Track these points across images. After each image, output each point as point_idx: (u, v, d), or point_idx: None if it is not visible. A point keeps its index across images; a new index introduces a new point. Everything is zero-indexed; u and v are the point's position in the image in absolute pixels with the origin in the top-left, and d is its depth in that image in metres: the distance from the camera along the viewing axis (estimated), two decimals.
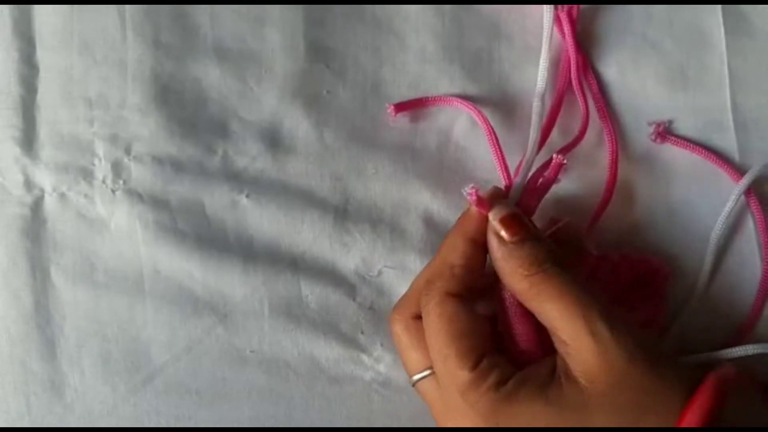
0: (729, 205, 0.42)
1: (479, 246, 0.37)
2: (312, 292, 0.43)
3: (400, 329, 0.38)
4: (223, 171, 0.43)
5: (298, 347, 0.42)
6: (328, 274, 0.43)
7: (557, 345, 0.34)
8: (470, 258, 0.36)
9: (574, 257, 0.38)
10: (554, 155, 0.39)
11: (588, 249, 0.39)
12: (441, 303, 0.36)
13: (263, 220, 0.43)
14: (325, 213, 0.43)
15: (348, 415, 0.42)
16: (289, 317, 0.43)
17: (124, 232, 0.43)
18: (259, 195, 0.43)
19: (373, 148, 0.44)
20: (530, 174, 0.39)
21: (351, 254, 0.43)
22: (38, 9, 0.44)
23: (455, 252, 0.37)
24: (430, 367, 0.37)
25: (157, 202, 0.43)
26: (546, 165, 0.39)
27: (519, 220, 0.36)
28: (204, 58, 0.44)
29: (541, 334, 0.35)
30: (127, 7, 0.44)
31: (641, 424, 0.32)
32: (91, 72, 0.44)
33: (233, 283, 0.43)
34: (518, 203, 0.38)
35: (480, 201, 0.36)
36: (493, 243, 0.36)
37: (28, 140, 0.43)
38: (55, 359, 0.42)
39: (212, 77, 0.44)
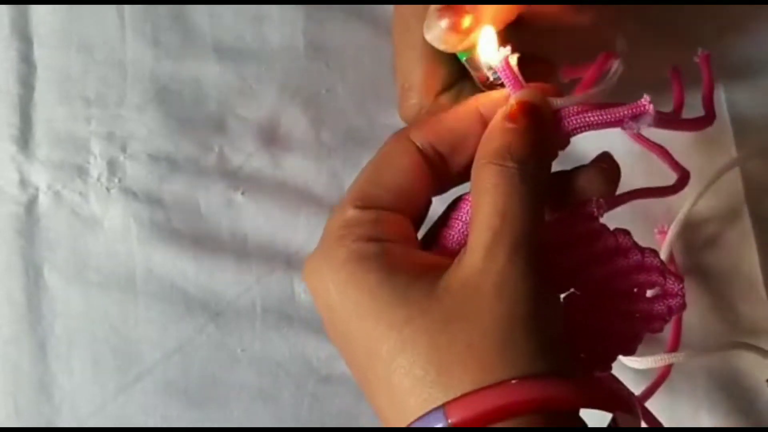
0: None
1: (479, 119, 0.31)
2: (305, 291, 0.42)
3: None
4: (219, 168, 0.43)
5: (290, 346, 0.42)
6: None
7: None
8: (462, 122, 0.31)
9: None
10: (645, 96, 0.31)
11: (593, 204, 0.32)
12: (395, 141, 0.31)
13: (258, 217, 0.43)
14: (320, 210, 0.43)
15: (337, 414, 0.41)
16: (282, 316, 0.42)
17: (118, 231, 0.43)
18: (255, 192, 0.43)
19: (371, 145, 0.43)
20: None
21: None
22: (36, 8, 0.44)
23: (452, 110, 0.32)
24: None
25: (152, 200, 0.43)
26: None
27: (526, 113, 0.30)
28: (203, 56, 0.44)
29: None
30: (126, 6, 0.44)
31: (435, 365, 0.26)
32: (89, 71, 0.44)
33: (226, 282, 0.42)
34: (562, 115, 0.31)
35: (511, 72, 0.31)
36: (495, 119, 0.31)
37: (24, 139, 0.43)
38: (46, 359, 0.42)
39: (211, 76, 0.44)
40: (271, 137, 0.43)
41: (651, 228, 0.42)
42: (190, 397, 0.41)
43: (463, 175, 0.31)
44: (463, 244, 0.30)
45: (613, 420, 0.28)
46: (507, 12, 0.32)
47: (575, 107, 0.31)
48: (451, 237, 0.31)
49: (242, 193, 0.43)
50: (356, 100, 0.44)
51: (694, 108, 0.36)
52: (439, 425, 0.25)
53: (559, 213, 0.31)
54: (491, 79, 0.33)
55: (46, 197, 0.43)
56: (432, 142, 0.31)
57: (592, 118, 0.31)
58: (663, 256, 0.41)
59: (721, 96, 0.44)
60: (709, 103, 0.36)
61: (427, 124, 0.31)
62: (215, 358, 0.42)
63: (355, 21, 0.45)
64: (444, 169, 0.31)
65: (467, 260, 0.28)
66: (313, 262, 0.30)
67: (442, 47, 0.32)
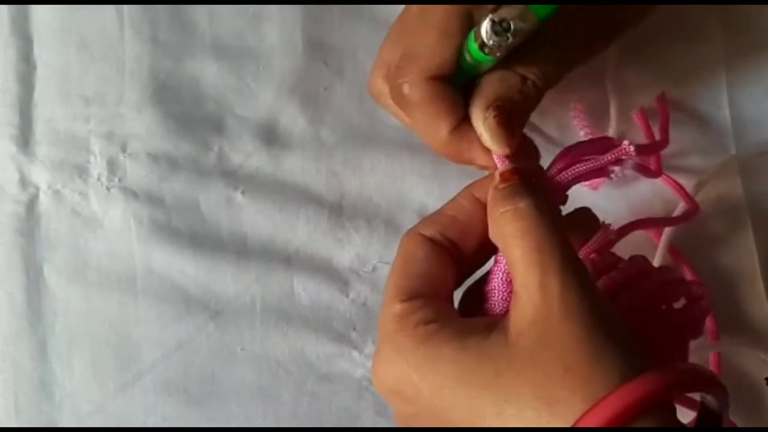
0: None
1: (476, 202, 0.33)
2: (305, 289, 0.42)
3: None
4: (218, 168, 0.43)
5: (289, 344, 0.42)
6: (321, 271, 0.42)
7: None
8: (462, 209, 0.33)
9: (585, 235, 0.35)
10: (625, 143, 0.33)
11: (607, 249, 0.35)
12: (408, 239, 0.33)
13: (258, 216, 0.43)
14: (320, 209, 0.43)
15: (337, 413, 0.41)
16: (281, 314, 0.42)
17: (117, 230, 0.43)
18: (255, 191, 0.43)
19: (370, 144, 0.43)
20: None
21: (345, 250, 0.43)
22: (36, 7, 0.44)
23: (450, 201, 0.34)
24: None
25: (152, 200, 0.43)
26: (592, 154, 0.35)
27: (516, 172, 0.32)
28: (202, 55, 0.44)
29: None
30: (125, 5, 0.44)
31: (545, 400, 0.27)
32: (88, 70, 0.44)
33: (226, 281, 0.42)
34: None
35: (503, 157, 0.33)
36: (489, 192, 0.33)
37: (24, 138, 0.43)
38: (46, 358, 0.42)
39: (210, 74, 0.44)
40: (270, 136, 0.43)
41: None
42: (189, 395, 0.41)
43: (480, 258, 0.34)
44: (504, 307, 0.32)
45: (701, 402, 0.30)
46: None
47: (560, 164, 0.33)
48: (493, 303, 0.33)
49: (242, 192, 0.43)
50: (355, 98, 0.44)
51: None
52: None
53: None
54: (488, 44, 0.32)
55: (47, 196, 0.43)
56: (441, 232, 0.33)
57: (579, 170, 0.33)
58: (659, 253, 0.41)
59: (722, 95, 0.44)
60: (664, 131, 0.42)
61: (431, 218, 0.33)
62: (215, 356, 0.42)
63: (354, 20, 0.45)
64: (459, 253, 0.33)
65: (525, 302, 0.29)
66: (383, 363, 0.31)
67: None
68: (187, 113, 0.43)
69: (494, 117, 0.32)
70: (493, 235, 0.32)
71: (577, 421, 0.26)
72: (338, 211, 0.43)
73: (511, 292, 0.32)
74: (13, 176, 0.43)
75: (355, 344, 0.42)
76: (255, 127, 0.43)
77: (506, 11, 0.32)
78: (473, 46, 0.31)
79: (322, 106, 0.44)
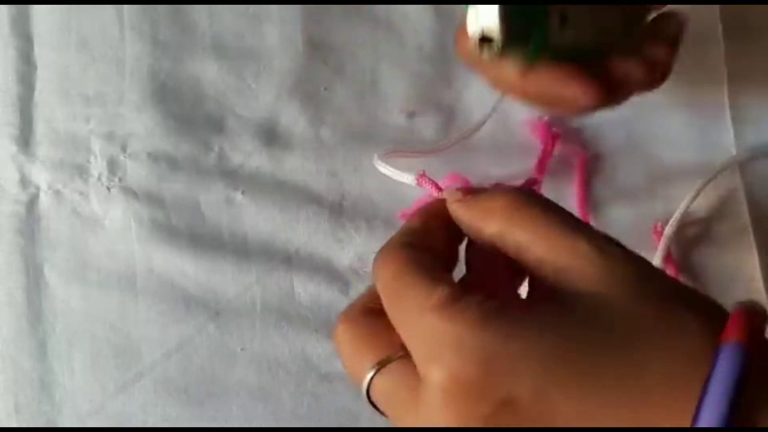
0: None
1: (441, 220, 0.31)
2: (305, 289, 0.42)
3: (345, 329, 0.30)
4: (218, 168, 0.43)
5: (289, 344, 0.42)
6: (321, 271, 0.42)
7: (537, 268, 0.28)
8: (430, 225, 0.31)
9: None
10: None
11: None
12: (392, 250, 0.30)
13: (258, 216, 0.43)
14: (320, 209, 0.43)
15: (337, 413, 0.41)
16: (281, 314, 0.42)
17: (118, 230, 0.43)
18: (255, 192, 0.43)
19: (370, 144, 0.43)
20: None
21: (345, 250, 0.42)
22: (36, 7, 0.44)
23: (410, 222, 0.32)
24: (381, 361, 0.29)
25: (152, 200, 0.43)
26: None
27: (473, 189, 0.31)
28: (202, 55, 0.44)
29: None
30: (125, 5, 0.44)
31: (675, 347, 0.25)
32: (88, 70, 0.44)
33: (226, 281, 0.42)
34: None
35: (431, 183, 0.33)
36: (454, 208, 0.31)
37: (24, 138, 0.43)
38: (46, 358, 0.42)
39: (210, 74, 0.44)
40: (270, 136, 0.43)
41: (648, 226, 0.42)
42: (190, 395, 0.41)
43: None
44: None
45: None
46: None
47: None
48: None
49: (242, 192, 0.43)
50: (355, 98, 0.44)
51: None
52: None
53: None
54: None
55: (47, 196, 0.43)
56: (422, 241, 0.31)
57: None
58: (659, 254, 0.41)
59: (723, 95, 0.44)
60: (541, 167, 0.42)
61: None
62: (215, 356, 0.41)
63: (354, 19, 0.45)
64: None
65: (583, 269, 0.27)
66: (454, 354, 0.26)
67: None
68: (187, 113, 0.43)
69: None
70: (488, 233, 0.29)
71: (722, 335, 0.24)
72: (338, 211, 0.43)
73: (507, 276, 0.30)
74: (14, 176, 0.43)
75: None
76: (255, 127, 0.43)
77: (471, 24, 0.31)
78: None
79: (322, 106, 0.44)
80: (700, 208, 0.43)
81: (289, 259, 0.42)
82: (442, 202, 0.31)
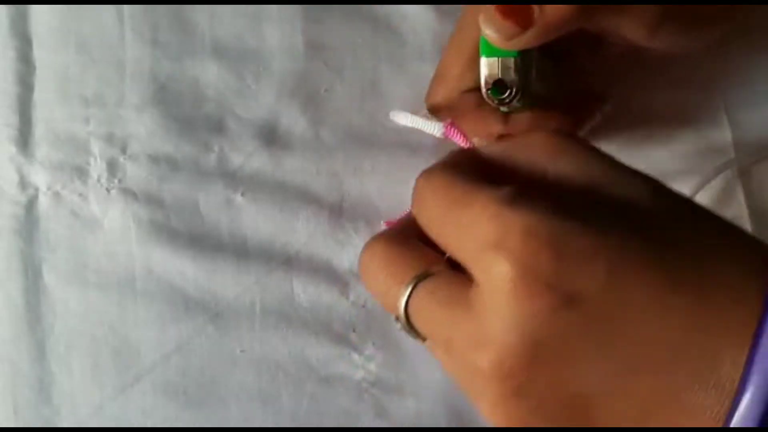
0: None
1: None
2: (305, 291, 0.42)
3: (376, 249, 0.29)
4: (218, 169, 0.43)
5: (289, 346, 0.42)
6: (321, 273, 0.42)
7: None
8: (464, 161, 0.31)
9: None
10: None
11: None
12: (440, 168, 0.29)
13: (258, 218, 0.43)
14: (320, 210, 0.43)
15: (336, 415, 0.41)
16: (281, 316, 0.42)
17: (117, 231, 0.42)
18: (255, 193, 0.43)
19: (370, 145, 0.43)
20: None
21: (345, 252, 0.42)
22: (35, 8, 0.44)
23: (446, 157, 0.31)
24: (421, 275, 0.28)
25: (152, 201, 0.43)
26: None
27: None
28: (202, 56, 0.44)
29: None
30: (125, 5, 0.44)
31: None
32: (88, 71, 0.44)
33: (225, 282, 0.42)
34: None
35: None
36: (491, 148, 0.31)
37: (23, 139, 0.43)
38: (44, 359, 0.41)
39: (210, 75, 0.44)
40: (270, 137, 0.43)
41: None
42: (189, 397, 0.41)
43: None
44: None
45: None
46: (569, 16, 0.32)
47: None
48: None
49: (242, 194, 0.43)
50: (356, 99, 0.44)
51: None
52: None
53: None
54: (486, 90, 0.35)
55: (46, 198, 0.43)
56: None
57: None
58: None
59: (720, 99, 0.44)
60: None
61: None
62: (214, 358, 0.41)
63: (355, 20, 0.44)
64: None
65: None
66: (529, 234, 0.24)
67: (500, 45, 0.33)
68: (187, 114, 0.43)
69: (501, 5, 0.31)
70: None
71: None
72: (338, 213, 0.43)
73: None
74: (13, 177, 0.43)
75: (355, 346, 0.42)
76: (255, 128, 0.43)
77: (487, 73, 0.34)
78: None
79: (322, 107, 0.44)
80: None
81: (288, 261, 0.42)
82: (472, 150, 0.31)
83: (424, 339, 0.29)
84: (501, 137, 0.32)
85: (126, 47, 0.44)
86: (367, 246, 0.30)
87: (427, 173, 0.29)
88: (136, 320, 0.42)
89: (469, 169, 0.29)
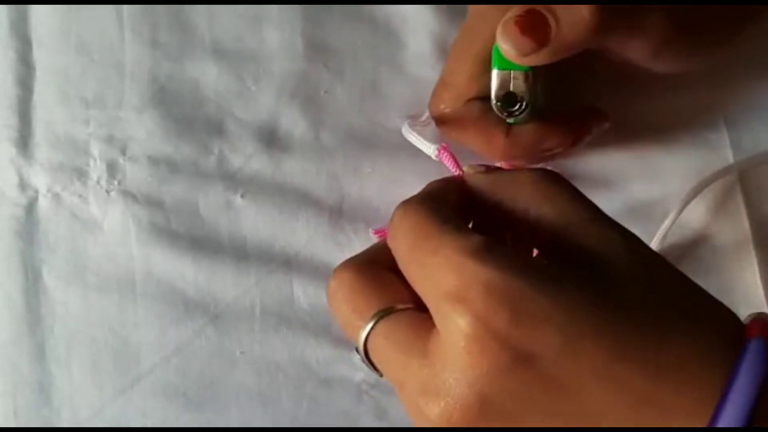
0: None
1: None
2: (304, 293, 0.42)
3: (344, 278, 0.29)
4: (218, 171, 0.43)
5: (289, 348, 0.41)
6: (321, 274, 0.42)
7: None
8: (449, 190, 0.31)
9: None
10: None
11: None
12: (416, 202, 0.29)
13: (258, 219, 0.43)
14: (320, 212, 0.43)
15: (336, 417, 0.41)
16: (281, 318, 0.42)
17: (117, 233, 0.42)
18: (254, 195, 0.43)
19: (370, 147, 0.43)
20: None
21: (345, 253, 0.42)
22: (35, 9, 0.44)
23: (429, 186, 0.32)
24: (385, 310, 0.28)
25: (152, 203, 0.43)
26: None
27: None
28: (202, 57, 0.44)
29: None
30: (125, 6, 0.44)
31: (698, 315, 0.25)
32: (88, 72, 0.44)
33: (225, 284, 0.42)
34: None
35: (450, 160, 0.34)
36: (478, 179, 0.31)
37: (23, 141, 0.43)
38: (44, 361, 0.41)
39: (210, 77, 0.44)
40: (270, 139, 0.43)
41: (645, 227, 0.42)
42: (188, 399, 0.41)
43: None
44: None
45: None
46: (585, 36, 0.33)
47: None
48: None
49: (241, 196, 0.43)
50: (355, 101, 0.44)
51: None
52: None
53: None
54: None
55: (46, 199, 0.43)
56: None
57: None
58: None
59: (718, 102, 0.44)
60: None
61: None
62: (214, 360, 0.41)
63: (355, 21, 0.44)
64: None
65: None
66: (497, 298, 0.24)
67: (515, 61, 0.33)
68: (187, 116, 0.43)
69: (520, 18, 0.32)
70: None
71: (747, 332, 0.25)
72: (338, 214, 0.43)
73: None
74: (13, 179, 0.43)
75: (354, 347, 0.42)
76: (255, 130, 0.43)
77: (498, 85, 0.36)
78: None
79: (322, 109, 0.44)
80: (699, 215, 0.42)
81: (288, 262, 0.42)
82: (459, 178, 0.31)
83: (381, 375, 0.29)
84: (491, 168, 0.32)
85: (125, 48, 0.44)
86: (336, 272, 0.30)
87: (405, 205, 0.29)
88: (136, 322, 0.42)
89: (449, 202, 0.29)
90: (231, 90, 0.44)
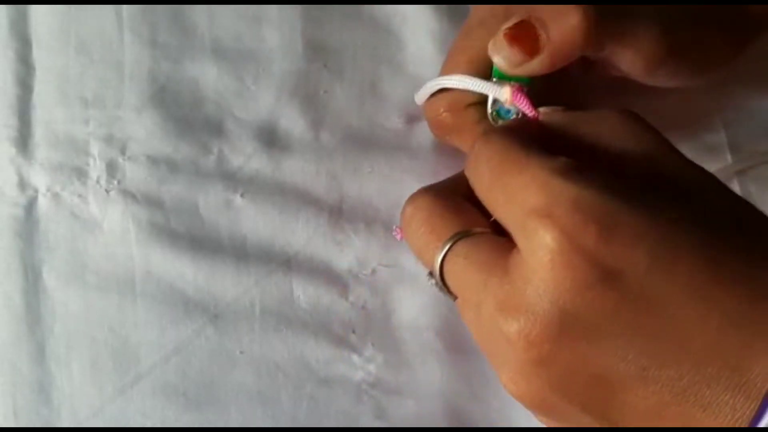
0: None
1: None
2: (304, 292, 0.42)
3: (421, 202, 0.29)
4: (218, 170, 0.43)
5: (288, 348, 0.41)
6: (321, 274, 0.42)
7: None
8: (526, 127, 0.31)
9: None
10: None
11: None
12: (499, 132, 0.29)
13: (257, 219, 0.43)
14: (319, 212, 0.43)
15: (336, 417, 0.41)
16: (281, 317, 0.42)
17: (117, 233, 0.42)
18: (254, 194, 0.43)
19: (370, 147, 0.43)
20: None
21: (345, 253, 0.42)
22: (35, 9, 0.44)
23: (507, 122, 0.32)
24: (462, 232, 0.28)
25: (151, 202, 0.43)
26: None
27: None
28: (201, 57, 0.44)
29: None
30: (125, 6, 0.44)
31: None
32: (87, 72, 0.44)
33: (225, 284, 0.42)
34: None
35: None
36: (558, 116, 0.31)
37: (23, 140, 0.43)
38: (44, 361, 0.41)
39: (209, 76, 0.44)
40: (269, 138, 0.43)
41: None
42: (188, 399, 0.41)
43: None
44: None
45: None
46: (576, 44, 0.32)
47: None
48: None
49: (241, 195, 0.43)
50: (355, 101, 0.44)
51: None
52: None
53: None
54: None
55: (45, 199, 0.43)
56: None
57: None
58: None
59: (715, 103, 0.44)
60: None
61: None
62: (214, 360, 0.41)
63: (354, 21, 0.45)
64: None
65: None
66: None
67: (507, 72, 0.33)
68: (186, 116, 0.43)
69: (509, 30, 0.31)
70: None
71: None
72: (338, 214, 0.43)
73: None
74: (12, 179, 0.43)
75: (355, 348, 0.42)
76: (255, 130, 0.43)
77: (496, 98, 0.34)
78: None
79: (321, 109, 0.44)
80: None
81: (288, 262, 0.42)
82: (534, 118, 0.31)
83: (455, 298, 0.29)
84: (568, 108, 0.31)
85: (125, 48, 0.44)
86: (412, 198, 0.30)
87: (487, 135, 0.28)
88: (135, 322, 0.42)
89: (529, 136, 0.28)
90: (230, 90, 0.44)
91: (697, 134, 0.44)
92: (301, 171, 0.43)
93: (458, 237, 0.28)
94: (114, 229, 0.42)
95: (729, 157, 0.43)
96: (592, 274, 0.24)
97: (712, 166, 0.42)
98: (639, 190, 0.25)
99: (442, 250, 0.28)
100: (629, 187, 0.25)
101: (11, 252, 0.42)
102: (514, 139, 0.27)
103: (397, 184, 0.43)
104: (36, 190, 0.43)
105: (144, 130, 0.43)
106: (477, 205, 0.29)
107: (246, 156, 0.43)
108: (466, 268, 0.27)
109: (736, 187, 0.43)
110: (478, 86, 0.35)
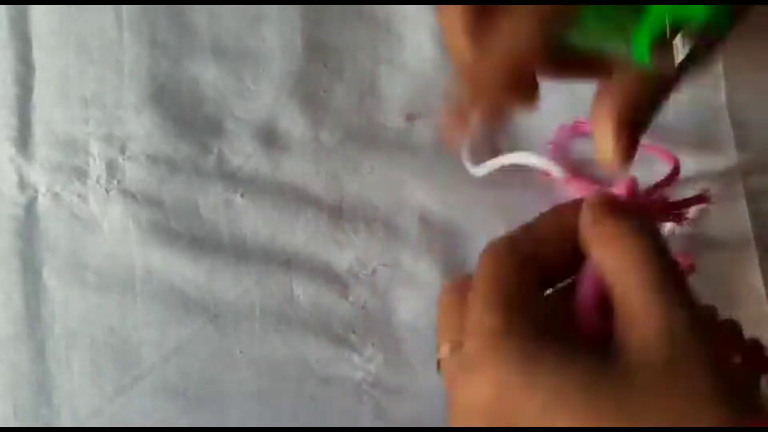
0: None
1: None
2: (304, 292, 0.42)
3: (444, 296, 0.31)
4: (217, 170, 0.43)
5: (289, 347, 0.41)
6: (321, 273, 0.42)
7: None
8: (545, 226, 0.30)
9: None
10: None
11: None
12: (501, 249, 0.29)
13: (257, 219, 0.43)
14: (319, 211, 0.43)
15: (336, 416, 0.41)
16: (281, 317, 0.42)
17: (117, 232, 0.42)
18: (254, 194, 0.43)
19: (369, 146, 0.43)
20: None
21: (345, 253, 0.42)
22: (35, 9, 0.44)
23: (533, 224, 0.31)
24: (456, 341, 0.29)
25: (151, 202, 0.43)
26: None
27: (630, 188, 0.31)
28: (201, 57, 0.44)
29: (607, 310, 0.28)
30: (124, 6, 0.44)
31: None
32: (87, 71, 0.44)
33: (225, 283, 0.42)
34: None
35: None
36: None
37: (23, 140, 0.43)
38: (44, 360, 0.41)
39: (209, 76, 0.44)
40: (269, 138, 0.43)
41: None
42: (188, 398, 0.41)
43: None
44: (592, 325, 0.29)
45: None
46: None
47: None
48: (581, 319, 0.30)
49: (241, 195, 0.43)
50: (355, 100, 0.44)
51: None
52: None
53: None
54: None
55: (45, 199, 0.43)
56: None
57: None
58: None
59: (721, 98, 0.43)
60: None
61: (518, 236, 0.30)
62: (214, 359, 0.41)
63: (354, 21, 0.45)
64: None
65: (648, 332, 0.26)
66: (479, 377, 0.27)
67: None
68: (186, 115, 0.43)
69: (627, 137, 0.30)
70: (598, 255, 0.29)
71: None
72: (338, 214, 0.43)
73: (594, 293, 0.29)
74: (12, 178, 0.43)
75: (355, 347, 0.42)
76: (254, 129, 0.43)
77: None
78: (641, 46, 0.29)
79: (321, 108, 0.44)
80: (701, 214, 0.42)
81: (288, 262, 0.42)
82: (577, 205, 0.30)
83: None
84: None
85: (125, 48, 0.44)
86: (445, 286, 0.32)
87: (493, 245, 0.30)
88: (135, 321, 0.42)
89: (533, 252, 0.29)
90: (230, 89, 0.44)
91: (704, 131, 0.43)
92: (301, 171, 0.43)
93: (452, 345, 0.30)
94: (114, 229, 0.42)
95: (735, 155, 0.43)
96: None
97: (718, 163, 0.42)
98: (556, 355, 0.27)
99: (438, 354, 0.31)
100: (548, 352, 0.27)
101: (11, 251, 0.42)
102: (503, 266, 0.29)
103: (397, 183, 0.43)
104: (36, 190, 0.43)
105: (144, 130, 0.43)
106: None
107: (246, 156, 0.43)
108: (448, 380, 0.30)
109: (740, 186, 0.42)
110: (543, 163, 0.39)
